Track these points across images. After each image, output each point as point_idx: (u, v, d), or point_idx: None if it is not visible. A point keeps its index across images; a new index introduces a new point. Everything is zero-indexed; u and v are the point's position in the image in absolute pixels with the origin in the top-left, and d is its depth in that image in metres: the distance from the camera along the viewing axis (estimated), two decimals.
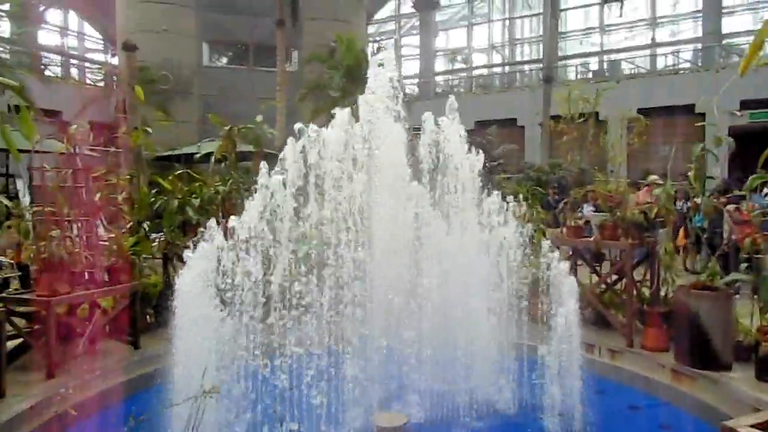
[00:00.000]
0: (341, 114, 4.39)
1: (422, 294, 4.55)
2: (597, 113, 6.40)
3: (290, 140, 4.15)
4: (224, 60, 25.96)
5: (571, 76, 26.00)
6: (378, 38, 34.98)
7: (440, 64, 33.50)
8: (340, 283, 4.21)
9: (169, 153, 13.31)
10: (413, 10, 33.07)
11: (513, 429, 4.62)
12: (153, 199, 6.19)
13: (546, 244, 4.79)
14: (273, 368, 3.98)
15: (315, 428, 3.98)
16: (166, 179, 6.46)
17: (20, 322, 5.35)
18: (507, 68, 28.17)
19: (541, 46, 27.26)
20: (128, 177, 6.30)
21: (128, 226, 6.09)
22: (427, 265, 4.62)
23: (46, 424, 4.20)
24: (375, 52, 18.83)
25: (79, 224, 5.52)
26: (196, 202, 6.31)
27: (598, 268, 6.69)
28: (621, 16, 26.54)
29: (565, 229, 6.52)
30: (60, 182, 5.18)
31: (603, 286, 6.44)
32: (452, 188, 4.81)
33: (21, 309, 5.24)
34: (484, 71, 29.27)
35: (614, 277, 6.47)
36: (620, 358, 5.71)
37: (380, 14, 35.98)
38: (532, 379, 4.76)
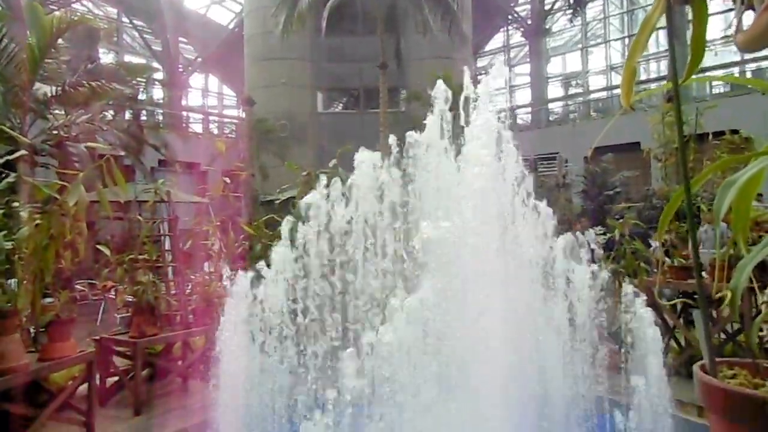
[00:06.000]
0: None
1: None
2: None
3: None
4: (338, 106, 27.45)
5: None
6: (489, 70, 34.61)
7: (556, 91, 32.17)
8: None
9: (271, 198, 14.18)
10: (523, 39, 32.44)
11: None
12: (237, 243, 6.55)
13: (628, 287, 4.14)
14: None
15: None
16: (250, 225, 6.83)
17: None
18: None
19: (665, 63, 25.03)
20: (219, 223, 6.73)
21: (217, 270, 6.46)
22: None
23: None
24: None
25: (169, 270, 5.99)
26: None
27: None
28: None
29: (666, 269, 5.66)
30: (150, 231, 5.68)
31: (722, 336, 5.44)
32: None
33: (119, 348, 5.77)
34: (603, 94, 27.40)
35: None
36: None
37: (492, 45, 35.78)
38: None
